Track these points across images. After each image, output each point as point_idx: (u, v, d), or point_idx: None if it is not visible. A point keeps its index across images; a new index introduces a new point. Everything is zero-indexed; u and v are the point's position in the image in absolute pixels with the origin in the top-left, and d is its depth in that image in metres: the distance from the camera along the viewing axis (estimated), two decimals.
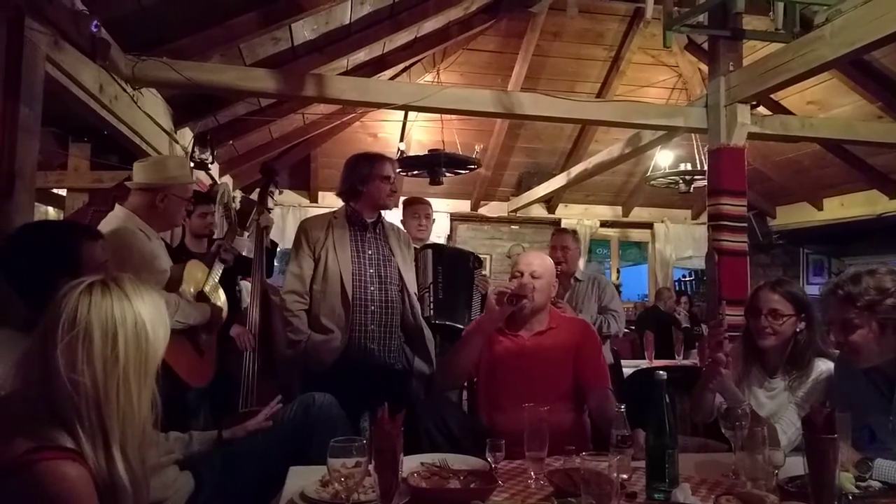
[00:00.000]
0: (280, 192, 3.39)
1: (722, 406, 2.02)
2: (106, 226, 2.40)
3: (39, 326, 1.17)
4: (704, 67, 5.26)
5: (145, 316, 1.19)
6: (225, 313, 2.82)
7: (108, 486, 1.12)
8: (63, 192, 4.26)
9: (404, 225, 3.72)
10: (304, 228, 2.84)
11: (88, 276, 1.67)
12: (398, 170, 2.95)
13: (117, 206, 2.57)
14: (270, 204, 3.24)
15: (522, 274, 2.40)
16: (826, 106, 5.37)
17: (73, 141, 4.01)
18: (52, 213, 5.13)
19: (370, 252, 2.81)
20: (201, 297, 2.70)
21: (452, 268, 3.48)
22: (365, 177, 2.78)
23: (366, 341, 2.73)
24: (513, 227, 7.80)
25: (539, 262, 2.46)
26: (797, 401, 2.06)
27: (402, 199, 4.19)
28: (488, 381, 2.41)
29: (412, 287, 2.89)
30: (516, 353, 2.39)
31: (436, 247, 3.63)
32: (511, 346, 2.42)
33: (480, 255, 3.88)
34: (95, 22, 2.39)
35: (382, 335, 2.77)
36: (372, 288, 2.76)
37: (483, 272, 3.80)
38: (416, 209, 3.83)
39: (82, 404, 1.11)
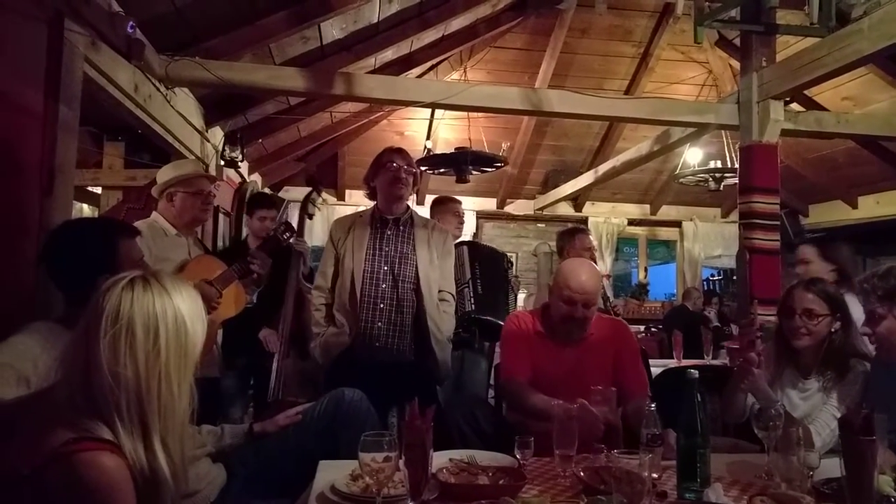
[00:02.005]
0: (323, 202, 3.53)
1: (755, 406, 1.99)
2: None
3: (82, 321, 1.20)
4: (735, 63, 5.17)
5: (184, 310, 1.22)
6: (230, 309, 2.80)
7: (149, 478, 1.15)
8: (98, 189, 4.37)
9: (444, 224, 3.74)
10: (332, 228, 2.91)
11: (126, 270, 1.73)
12: (415, 161, 2.91)
13: (153, 212, 2.80)
14: (312, 210, 3.38)
15: (576, 302, 2.26)
16: (862, 102, 5.25)
17: (107, 140, 4.11)
18: (87, 210, 5.25)
19: (387, 249, 2.78)
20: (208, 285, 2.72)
21: (490, 265, 3.56)
22: (375, 172, 2.82)
23: (372, 338, 2.70)
24: (539, 225, 7.76)
25: (592, 286, 2.29)
26: (832, 402, 2.02)
27: (432, 197, 4.19)
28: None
29: (431, 287, 2.79)
30: (556, 361, 2.34)
31: (471, 244, 3.69)
32: (552, 353, 2.36)
33: (507, 253, 3.94)
34: (131, 23, 2.43)
35: (391, 333, 2.73)
36: (384, 286, 2.73)
37: (515, 275, 3.86)
38: (454, 208, 3.83)
39: (123, 397, 1.14)
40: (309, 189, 3.38)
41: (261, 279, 2.98)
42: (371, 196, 2.89)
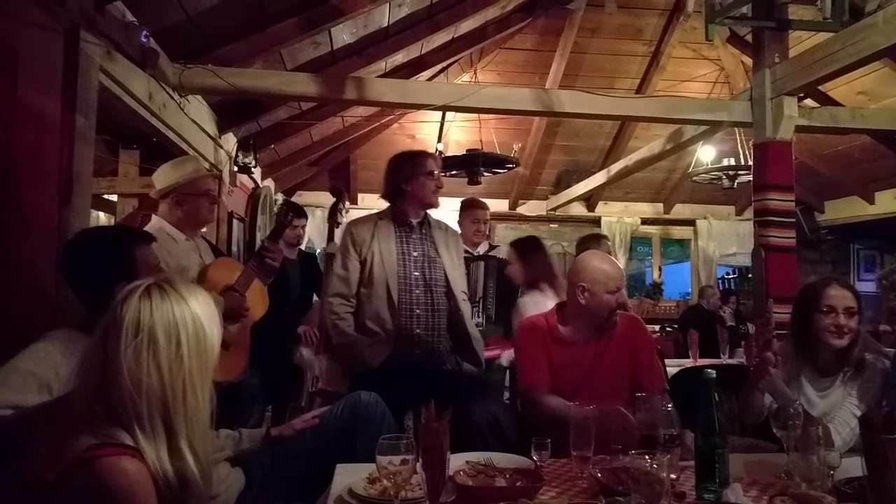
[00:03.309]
0: (347, 211, 3.69)
1: (773, 406, 1.98)
2: None
3: (98, 329, 1.21)
4: (748, 60, 5.13)
5: (202, 315, 1.23)
6: (261, 307, 2.80)
7: (176, 482, 1.16)
8: (114, 197, 4.41)
9: (461, 227, 3.75)
10: (350, 230, 2.79)
11: (143, 276, 1.75)
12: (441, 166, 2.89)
13: (153, 216, 2.67)
14: (340, 219, 3.51)
15: (619, 288, 2.34)
16: (877, 96, 5.19)
17: (123, 148, 4.14)
18: (103, 218, 5.30)
19: (416, 254, 2.75)
20: (230, 290, 2.71)
21: (503, 286, 3.57)
22: (409, 175, 2.72)
23: (412, 345, 2.67)
24: (552, 225, 7.74)
25: (620, 269, 2.43)
26: (852, 400, 2.00)
27: (461, 200, 4.21)
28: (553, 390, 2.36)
29: (459, 288, 2.81)
30: (576, 361, 2.33)
31: (488, 261, 3.68)
32: (571, 355, 2.35)
33: None
34: (145, 32, 2.46)
35: (429, 339, 2.71)
36: (417, 291, 2.70)
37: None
38: (476, 214, 3.85)
39: (144, 404, 1.15)
40: (335, 199, 3.55)
41: (272, 271, 2.97)
42: (392, 197, 2.80)
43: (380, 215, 2.83)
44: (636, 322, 2.51)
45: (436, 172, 2.75)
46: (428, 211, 2.86)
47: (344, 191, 3.77)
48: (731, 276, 9.22)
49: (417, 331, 2.69)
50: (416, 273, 2.73)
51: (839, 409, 2.01)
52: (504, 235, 7.62)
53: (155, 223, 2.61)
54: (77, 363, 1.25)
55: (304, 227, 3.83)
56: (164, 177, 2.65)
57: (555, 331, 2.37)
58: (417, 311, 2.70)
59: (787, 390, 2.02)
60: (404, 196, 2.75)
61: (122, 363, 1.14)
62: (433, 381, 2.62)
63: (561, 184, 7.23)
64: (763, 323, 2.18)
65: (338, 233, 3.73)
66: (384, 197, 2.85)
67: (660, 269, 8.29)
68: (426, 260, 2.76)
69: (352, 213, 6.47)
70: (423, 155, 2.83)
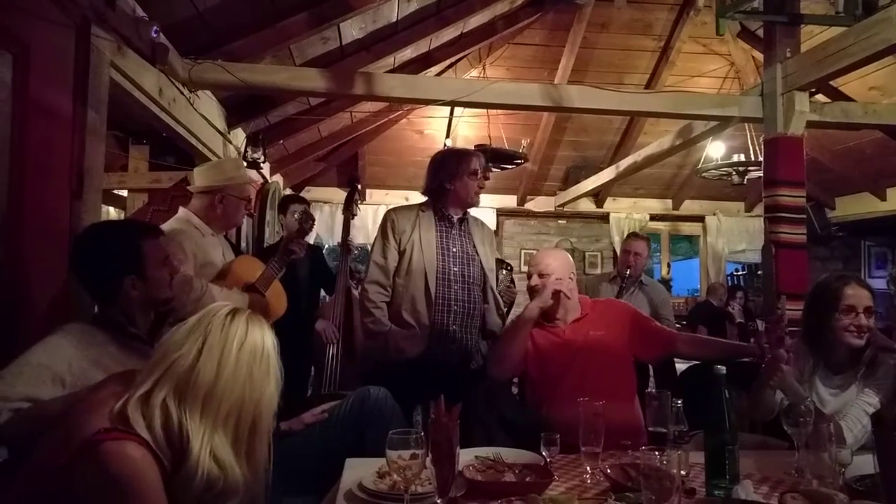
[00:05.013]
0: (362, 200, 3.73)
1: (783, 402, 1.97)
2: (166, 225, 2.51)
3: (187, 334, 1.28)
4: (758, 55, 5.09)
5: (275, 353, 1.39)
6: (281, 307, 2.85)
7: (230, 484, 1.24)
8: (124, 192, 4.44)
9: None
10: (392, 218, 2.75)
11: (152, 270, 1.77)
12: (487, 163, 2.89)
13: (180, 208, 2.67)
14: (355, 210, 3.57)
15: (543, 276, 2.48)
16: (890, 91, 5.13)
17: (132, 143, 4.17)
18: (113, 213, 5.33)
19: (455, 250, 2.73)
20: (251, 289, 2.75)
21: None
22: (453, 173, 2.71)
23: (446, 341, 2.66)
24: (560, 221, 7.72)
25: (554, 263, 2.52)
26: (864, 397, 1.99)
27: None
28: (541, 378, 2.41)
29: (493, 288, 2.81)
30: (561, 345, 2.42)
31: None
32: (553, 338, 2.45)
33: (528, 251, 3.93)
34: (155, 27, 2.47)
35: (463, 335, 2.70)
36: (456, 287, 2.69)
37: (510, 283, 3.81)
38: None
39: (233, 410, 1.26)
40: (349, 191, 3.58)
41: (284, 265, 2.99)
42: (434, 194, 2.79)
43: (422, 207, 2.81)
44: (618, 303, 2.73)
45: (480, 172, 2.74)
46: None
47: (358, 182, 3.80)
48: (741, 273, 9.19)
49: (453, 327, 2.68)
50: (456, 269, 2.72)
51: (851, 407, 1.99)
52: (512, 232, 7.62)
53: (182, 214, 2.63)
54: (155, 354, 1.29)
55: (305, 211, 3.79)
56: (211, 174, 2.68)
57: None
58: (455, 307, 2.69)
59: (799, 387, 2.01)
60: (446, 194, 2.74)
61: (224, 366, 1.24)
62: (461, 378, 2.59)
63: (569, 179, 7.21)
64: (775, 320, 2.17)
65: (354, 223, 3.79)
66: (425, 193, 2.83)
67: (668, 266, 8.26)
68: (465, 256, 2.76)
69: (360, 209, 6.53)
70: (468, 154, 2.82)
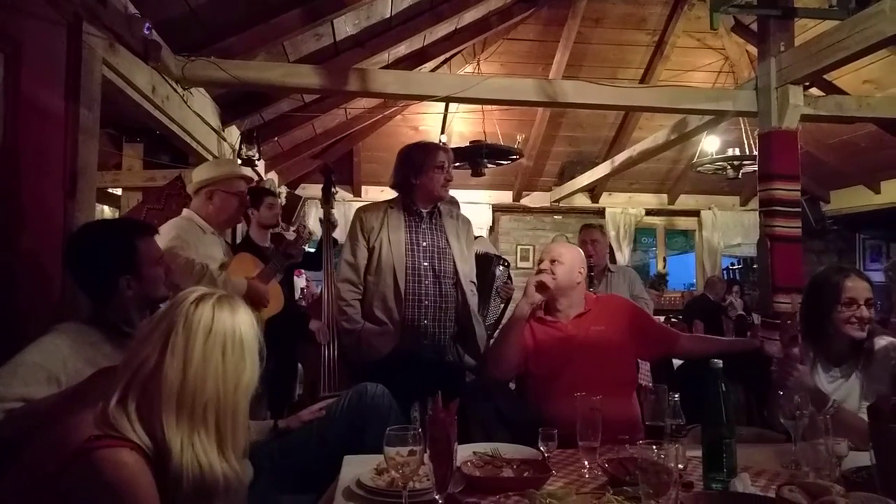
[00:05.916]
0: (336, 191, 3.62)
1: (779, 394, 1.97)
2: (169, 224, 2.63)
3: (152, 326, 1.24)
4: (752, 49, 5.10)
5: (255, 335, 1.32)
6: (277, 306, 2.86)
7: (214, 479, 1.20)
8: (118, 191, 4.41)
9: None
10: (360, 217, 2.78)
11: (147, 269, 1.76)
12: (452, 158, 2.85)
13: (185, 209, 2.79)
14: (332, 202, 3.50)
15: (543, 261, 2.49)
16: (883, 84, 5.15)
17: (126, 141, 4.14)
18: (107, 211, 5.31)
19: (425, 244, 2.74)
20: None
21: (480, 274, 3.55)
22: (419, 167, 2.71)
23: (418, 336, 2.68)
24: (556, 217, 7.72)
25: (561, 250, 2.52)
26: (863, 385, 1.99)
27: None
28: (540, 372, 2.41)
29: (468, 279, 2.80)
30: (562, 340, 2.42)
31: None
32: (554, 332, 2.45)
33: (524, 247, 3.91)
34: (147, 24, 2.45)
35: (435, 330, 2.71)
36: (426, 282, 2.70)
37: (507, 279, 3.81)
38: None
39: (200, 402, 1.21)
40: (324, 180, 3.49)
41: (282, 267, 2.98)
42: (400, 189, 2.80)
43: (390, 203, 2.82)
44: (619, 299, 2.73)
45: (446, 166, 2.74)
46: None
47: (332, 172, 3.69)
48: (736, 267, 9.21)
49: (425, 321, 2.69)
50: (426, 263, 2.72)
51: (849, 398, 2.00)
52: (508, 227, 7.62)
53: (185, 214, 2.75)
54: (126, 354, 1.26)
55: (278, 204, 3.80)
56: (202, 172, 2.81)
57: (536, 311, 2.51)
58: (426, 301, 2.70)
59: (818, 386, 1.98)
60: (413, 188, 2.75)
61: (190, 361, 1.19)
62: (436, 373, 2.64)
63: (565, 175, 7.21)
64: (788, 318, 2.16)
65: (338, 220, 3.74)
66: (393, 187, 2.84)
67: (664, 260, 8.28)
68: (436, 250, 2.75)
69: (355, 205, 6.50)
70: (433, 147, 2.82)
